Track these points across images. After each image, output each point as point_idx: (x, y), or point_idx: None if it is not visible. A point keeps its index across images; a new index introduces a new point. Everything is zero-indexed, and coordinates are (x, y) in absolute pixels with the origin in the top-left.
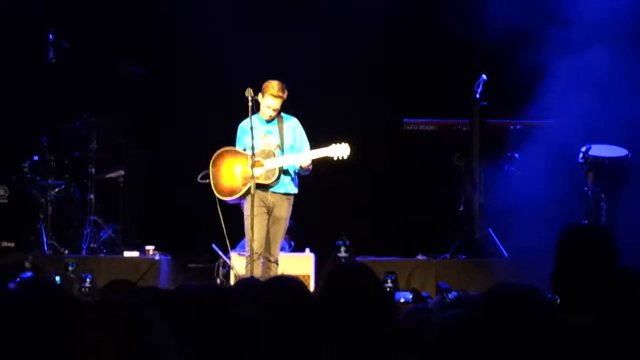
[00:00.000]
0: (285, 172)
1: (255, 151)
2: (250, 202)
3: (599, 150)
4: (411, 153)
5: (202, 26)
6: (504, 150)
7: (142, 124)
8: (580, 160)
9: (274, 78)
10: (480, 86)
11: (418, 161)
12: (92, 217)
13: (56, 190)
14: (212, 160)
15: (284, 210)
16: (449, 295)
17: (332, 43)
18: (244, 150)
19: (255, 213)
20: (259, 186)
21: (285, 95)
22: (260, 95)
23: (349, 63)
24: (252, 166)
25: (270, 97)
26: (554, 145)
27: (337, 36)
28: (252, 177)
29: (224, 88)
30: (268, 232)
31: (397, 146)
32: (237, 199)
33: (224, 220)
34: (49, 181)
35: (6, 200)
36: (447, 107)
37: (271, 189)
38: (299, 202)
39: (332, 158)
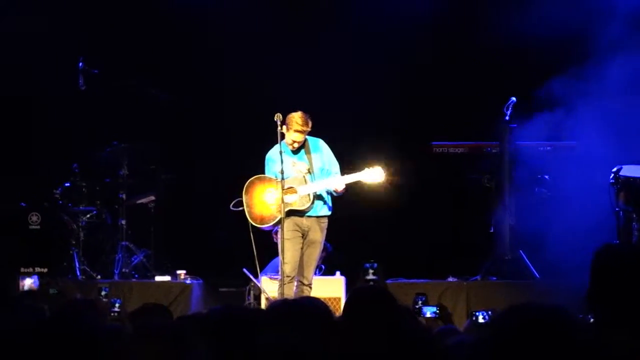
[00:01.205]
0: (318, 196)
1: (287, 178)
2: (284, 228)
3: (630, 170)
4: (441, 176)
5: (232, 50)
6: (534, 172)
7: (171, 150)
8: (611, 181)
9: (302, 102)
10: (510, 108)
11: (448, 183)
12: (123, 243)
13: (88, 216)
14: (244, 188)
15: (318, 234)
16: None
17: (362, 65)
18: (275, 177)
19: (289, 237)
20: (294, 212)
21: (309, 128)
22: (284, 127)
23: (380, 86)
24: (283, 190)
25: (295, 133)
26: (584, 166)
27: (367, 58)
28: (282, 201)
29: (253, 112)
30: (302, 255)
31: (427, 169)
32: (271, 225)
33: (255, 246)
34: (81, 207)
35: (39, 227)
36: (476, 129)
37: (306, 214)
38: (331, 226)
39: (365, 182)
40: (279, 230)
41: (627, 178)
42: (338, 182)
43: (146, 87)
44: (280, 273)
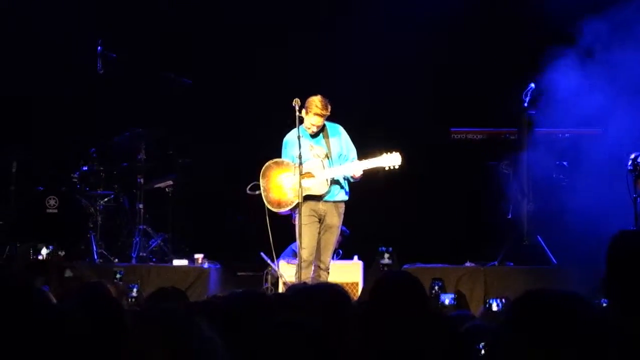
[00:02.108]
0: (335, 181)
1: (305, 162)
2: (301, 213)
3: None
4: (459, 162)
5: (250, 34)
6: (552, 158)
7: (189, 134)
8: (629, 167)
9: (319, 86)
10: (529, 95)
11: (466, 169)
12: (141, 227)
13: (105, 200)
14: (261, 172)
15: (335, 219)
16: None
17: (380, 51)
18: (292, 161)
19: (306, 222)
20: (311, 197)
21: (328, 112)
22: (304, 111)
23: (398, 73)
24: (300, 175)
25: (315, 116)
26: (602, 153)
27: (386, 43)
28: (300, 186)
29: (272, 97)
30: (319, 240)
31: (445, 155)
32: (289, 210)
33: (271, 231)
34: (98, 191)
35: (56, 210)
36: (495, 116)
37: (322, 200)
38: (349, 211)
39: (383, 168)
40: (296, 215)
41: None
42: (356, 167)
43: (164, 72)
44: (297, 258)
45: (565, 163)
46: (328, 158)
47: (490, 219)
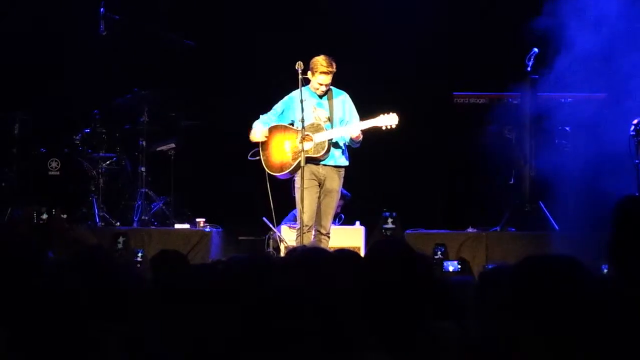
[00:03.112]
0: (335, 145)
1: (305, 125)
2: (301, 177)
3: None
4: (462, 126)
5: None
6: (555, 124)
7: (192, 97)
8: (631, 133)
9: (321, 51)
10: (532, 59)
11: (469, 134)
12: (143, 190)
13: (107, 162)
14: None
15: (335, 183)
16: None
17: (382, 20)
18: (291, 124)
19: (306, 186)
20: (310, 160)
21: (335, 69)
22: (309, 73)
23: (400, 36)
24: (302, 140)
25: (322, 75)
26: (605, 118)
27: (388, 13)
28: (302, 150)
29: (275, 60)
30: (319, 204)
31: (447, 119)
32: (287, 173)
33: (272, 196)
34: (101, 154)
35: (58, 173)
36: (498, 80)
37: (322, 162)
38: (351, 176)
39: (380, 128)
40: (296, 179)
41: None
42: (353, 128)
43: (167, 33)
44: (298, 222)
45: (567, 128)
46: (330, 122)
47: (493, 184)
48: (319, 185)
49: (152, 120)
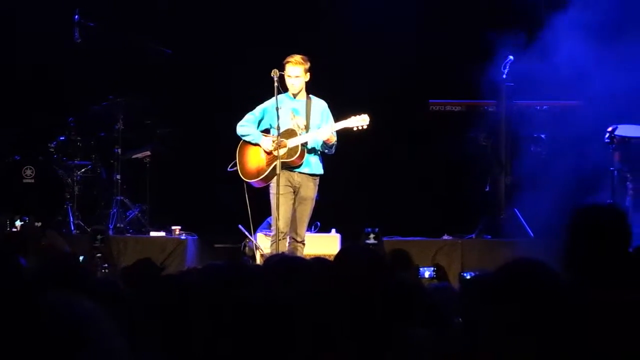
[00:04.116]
0: (311, 152)
1: (280, 131)
2: (276, 184)
3: (626, 130)
4: (438, 134)
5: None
6: (531, 131)
7: (168, 104)
8: (606, 140)
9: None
10: (507, 67)
11: (444, 141)
12: (118, 197)
13: (82, 170)
14: (238, 148)
15: (310, 191)
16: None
17: (359, 25)
18: (268, 130)
19: (281, 192)
20: (285, 166)
21: (306, 64)
22: (284, 75)
23: (377, 44)
24: (277, 147)
25: (290, 65)
26: (580, 125)
27: (365, 17)
28: (278, 157)
29: (252, 68)
30: (294, 212)
31: (423, 127)
32: (261, 181)
33: (249, 203)
34: (76, 161)
35: (33, 180)
36: (473, 88)
37: (297, 170)
38: (327, 183)
39: (352, 129)
40: (272, 186)
41: (622, 138)
42: (324, 130)
43: (143, 40)
44: (273, 229)
45: (543, 135)
46: (306, 129)
47: (468, 191)
48: (294, 193)
49: (127, 128)
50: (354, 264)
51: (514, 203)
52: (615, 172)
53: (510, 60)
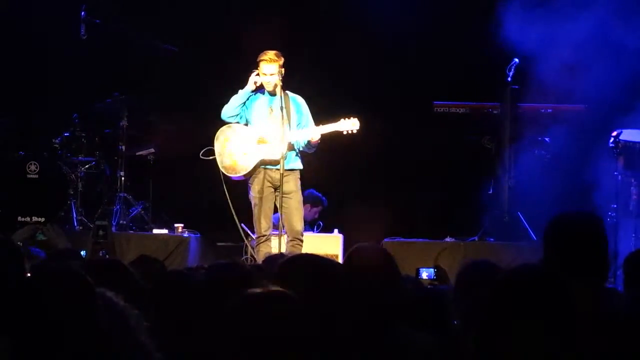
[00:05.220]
0: (290, 148)
1: (262, 127)
2: (256, 183)
3: (630, 135)
4: (442, 136)
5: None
6: (535, 134)
7: (172, 102)
8: (610, 145)
9: (301, 54)
10: (512, 69)
11: (448, 144)
12: (122, 194)
13: (86, 166)
14: (216, 137)
15: (291, 184)
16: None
17: (363, 27)
18: (246, 124)
19: (262, 194)
20: (266, 162)
21: (280, 60)
22: (258, 67)
23: (381, 45)
24: (258, 142)
25: (265, 64)
26: (584, 129)
27: (369, 20)
28: (257, 155)
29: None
30: (283, 210)
31: (428, 129)
32: (242, 176)
33: (230, 198)
34: (80, 158)
35: (37, 176)
36: (478, 90)
37: (276, 167)
38: (330, 184)
39: (342, 132)
40: (250, 186)
41: (626, 142)
42: (314, 132)
43: (149, 37)
44: (256, 231)
45: (547, 139)
46: (285, 125)
47: (472, 194)
48: (275, 191)
49: (131, 125)
50: (366, 264)
51: (517, 206)
52: (619, 176)
53: (515, 62)
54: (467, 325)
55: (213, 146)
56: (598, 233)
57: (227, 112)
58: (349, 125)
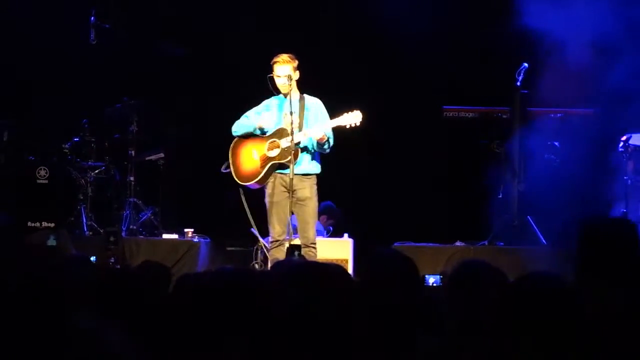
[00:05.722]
0: (304, 151)
1: (273, 131)
2: (270, 187)
3: None
4: (451, 140)
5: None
6: (544, 139)
7: (182, 107)
8: (620, 149)
9: (309, 60)
10: (522, 74)
11: (458, 148)
12: (131, 199)
13: (96, 171)
14: (230, 149)
15: (306, 191)
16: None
17: (372, 31)
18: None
19: (276, 199)
20: (279, 166)
21: (294, 62)
22: (272, 71)
23: (390, 50)
24: (269, 145)
25: (278, 65)
26: (594, 134)
27: (378, 23)
28: (269, 161)
29: (266, 72)
30: (296, 216)
31: (437, 133)
32: (256, 183)
33: (248, 207)
34: (89, 163)
35: (46, 181)
36: (488, 94)
37: (288, 171)
38: (339, 188)
39: (345, 127)
40: (266, 191)
41: (636, 147)
42: (316, 129)
43: (158, 42)
44: (270, 236)
45: (557, 143)
46: (299, 129)
47: (481, 198)
48: (290, 196)
49: (141, 130)
50: (385, 271)
51: (527, 210)
52: (629, 180)
53: (525, 67)
54: (465, 326)
55: (228, 157)
56: (636, 239)
57: (236, 132)
58: (352, 118)
